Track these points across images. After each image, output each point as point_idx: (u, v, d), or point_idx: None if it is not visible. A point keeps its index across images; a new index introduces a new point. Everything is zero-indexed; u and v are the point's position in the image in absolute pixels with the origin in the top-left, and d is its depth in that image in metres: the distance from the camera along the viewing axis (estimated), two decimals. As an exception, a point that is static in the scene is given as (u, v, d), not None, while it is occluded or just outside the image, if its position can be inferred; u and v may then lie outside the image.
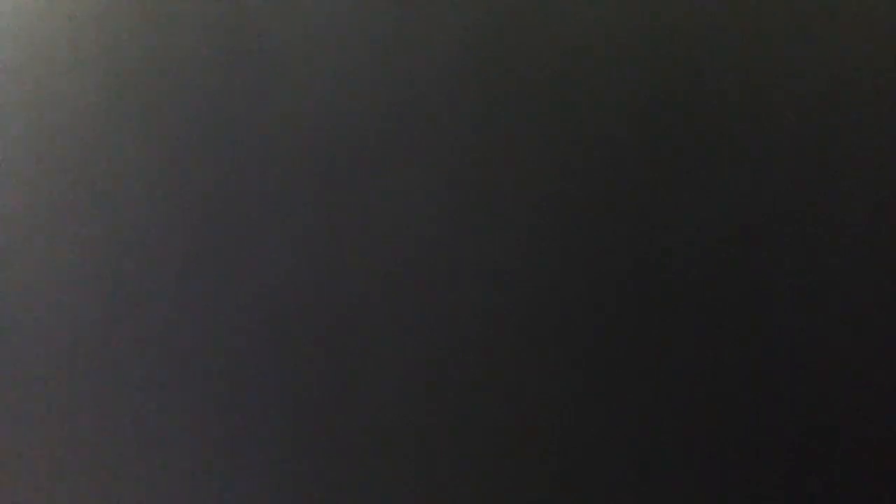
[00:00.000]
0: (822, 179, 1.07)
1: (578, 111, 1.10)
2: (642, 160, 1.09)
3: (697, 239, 1.08)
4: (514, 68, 1.11)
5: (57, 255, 1.17)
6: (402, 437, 1.12)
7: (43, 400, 1.17)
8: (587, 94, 1.10)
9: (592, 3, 1.11)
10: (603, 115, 1.10)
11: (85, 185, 1.17)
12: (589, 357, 1.09)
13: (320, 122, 1.14)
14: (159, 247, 1.16)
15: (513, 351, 1.10)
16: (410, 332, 1.12)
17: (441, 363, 1.11)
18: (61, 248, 1.17)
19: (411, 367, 1.12)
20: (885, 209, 1.06)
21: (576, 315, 1.10)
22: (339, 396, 1.12)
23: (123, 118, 1.17)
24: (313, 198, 1.13)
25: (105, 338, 1.16)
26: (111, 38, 1.18)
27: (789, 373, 1.07)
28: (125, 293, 1.16)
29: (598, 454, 1.09)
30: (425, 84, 1.12)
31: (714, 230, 1.08)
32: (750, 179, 1.08)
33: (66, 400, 1.17)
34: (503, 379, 1.10)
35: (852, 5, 1.07)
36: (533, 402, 1.10)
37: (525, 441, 1.10)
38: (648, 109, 1.09)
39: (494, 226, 1.11)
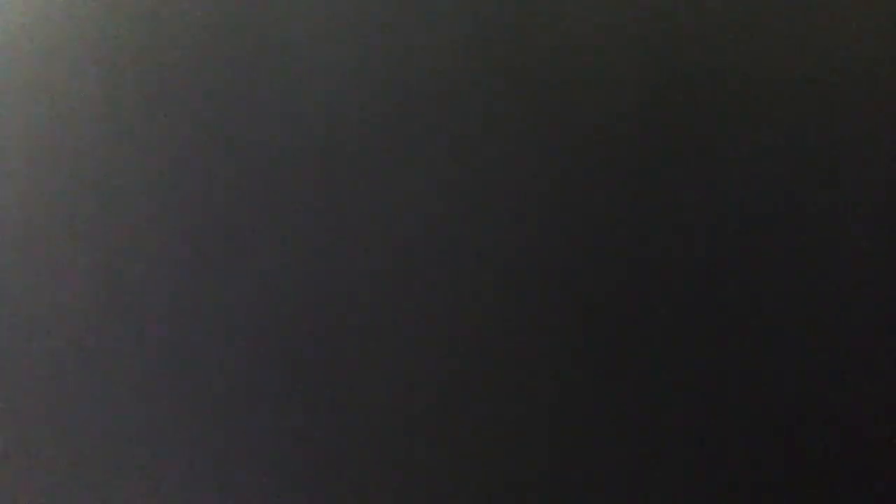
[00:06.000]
0: (822, 179, 1.07)
1: (578, 109, 1.10)
2: (641, 159, 1.09)
3: (697, 238, 1.08)
4: (512, 67, 1.11)
5: (57, 255, 1.17)
6: (401, 437, 1.12)
7: (43, 400, 1.17)
8: (587, 92, 1.10)
9: (593, 3, 1.11)
10: (603, 114, 1.10)
11: (85, 185, 1.17)
12: (589, 355, 1.09)
13: (321, 121, 1.14)
14: (158, 246, 1.16)
15: (514, 349, 1.11)
16: (411, 330, 1.12)
17: (442, 362, 1.11)
18: (61, 248, 1.17)
19: (412, 366, 1.12)
20: (886, 208, 1.06)
21: (576, 313, 1.10)
22: (338, 396, 1.13)
23: (123, 118, 1.17)
24: (313, 197, 1.14)
25: (105, 338, 1.16)
26: (111, 38, 1.18)
27: (788, 372, 1.07)
28: (125, 293, 1.16)
29: (598, 453, 1.09)
30: (425, 83, 1.13)
31: (713, 229, 1.08)
32: (750, 179, 1.08)
33: (66, 400, 1.17)
34: (504, 378, 1.11)
35: (853, 3, 1.08)
36: (534, 401, 1.10)
37: (526, 440, 1.10)
38: (648, 108, 1.09)
39: (495, 225, 1.11)
